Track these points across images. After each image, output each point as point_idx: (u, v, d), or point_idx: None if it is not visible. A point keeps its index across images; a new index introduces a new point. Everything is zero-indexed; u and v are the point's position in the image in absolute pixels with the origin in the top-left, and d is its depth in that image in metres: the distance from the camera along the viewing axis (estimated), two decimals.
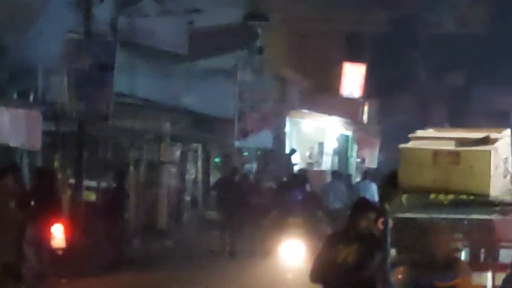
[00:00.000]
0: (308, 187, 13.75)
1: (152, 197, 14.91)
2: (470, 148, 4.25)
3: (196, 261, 12.32)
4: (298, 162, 18.44)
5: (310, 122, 20.50)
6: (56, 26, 12.02)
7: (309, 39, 19.84)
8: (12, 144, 10.58)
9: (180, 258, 12.78)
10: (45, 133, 11.73)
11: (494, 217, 4.33)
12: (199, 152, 16.76)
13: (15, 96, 11.81)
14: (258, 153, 18.04)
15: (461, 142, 4.34)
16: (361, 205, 5.28)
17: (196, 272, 10.92)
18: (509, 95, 22.74)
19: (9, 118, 10.40)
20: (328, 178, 16.18)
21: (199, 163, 16.70)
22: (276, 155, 18.21)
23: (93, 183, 13.15)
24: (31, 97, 12.11)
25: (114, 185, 12.94)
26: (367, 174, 15.89)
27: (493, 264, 6.44)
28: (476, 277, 5.43)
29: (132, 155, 14.48)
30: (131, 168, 14.17)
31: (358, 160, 21.34)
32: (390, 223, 4.23)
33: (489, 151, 4.16)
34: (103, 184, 13.49)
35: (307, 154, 20.00)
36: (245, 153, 17.61)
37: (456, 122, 15.70)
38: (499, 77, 21.93)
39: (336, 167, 20.05)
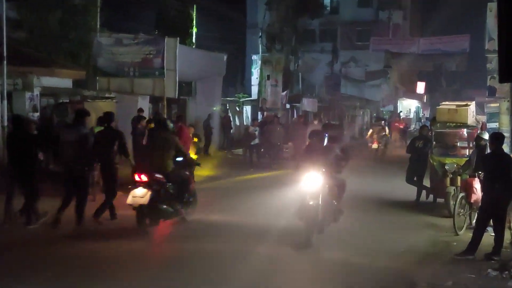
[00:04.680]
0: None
1: (352, 126, 39.20)
2: (461, 108, 12.72)
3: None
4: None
5: (406, 102, 52.43)
6: (322, 70, 37.63)
7: (406, 72, 46.57)
8: None
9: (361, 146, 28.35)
10: None
11: (466, 130, 12.74)
12: (368, 112, 44.32)
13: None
14: (388, 112, 44.79)
15: (458, 105, 12.83)
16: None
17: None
18: None
19: None
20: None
21: (368, 117, 44.65)
22: (393, 115, 43.48)
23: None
24: (314, 94, 35.09)
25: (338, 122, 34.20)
26: (424, 118, 44.27)
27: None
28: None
29: (346, 113, 39.55)
30: (346, 117, 39.26)
31: (423, 114, 54.20)
32: (433, 133, 12.79)
33: (467, 108, 12.66)
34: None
35: (405, 112, 50.48)
36: (384, 112, 44.39)
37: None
38: None
39: (415, 116, 53.27)
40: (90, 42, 18.82)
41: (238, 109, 30.14)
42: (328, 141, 9.43)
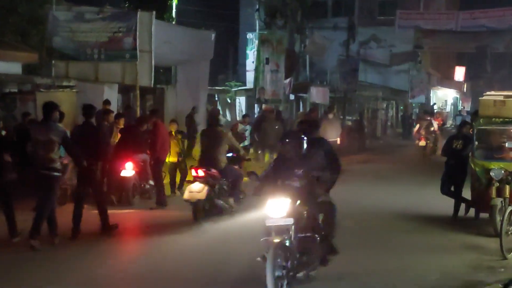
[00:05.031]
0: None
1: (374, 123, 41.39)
2: (510, 99, 12.86)
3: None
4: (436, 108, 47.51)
5: (441, 92, 54.05)
6: (336, 53, 37.73)
7: (441, 55, 49.47)
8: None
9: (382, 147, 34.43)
10: None
11: None
12: (393, 105, 47.34)
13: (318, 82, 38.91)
14: (419, 104, 47.14)
15: (506, 96, 12.96)
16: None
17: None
18: None
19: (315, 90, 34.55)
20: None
21: (394, 110, 47.34)
22: (425, 106, 46.32)
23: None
24: (325, 83, 38.38)
25: (358, 118, 36.93)
26: (465, 112, 45.04)
27: None
28: None
29: (365, 106, 41.49)
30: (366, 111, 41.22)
31: (462, 107, 53.53)
32: (475, 130, 12.91)
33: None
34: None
35: (440, 105, 51.67)
36: (413, 104, 46.93)
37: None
38: None
39: (452, 110, 54.99)
40: (44, 17, 18.92)
41: (229, 101, 30.28)
42: (309, 146, 8.21)
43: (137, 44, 18.06)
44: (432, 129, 26.18)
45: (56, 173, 10.11)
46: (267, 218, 7.71)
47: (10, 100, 16.60)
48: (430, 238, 11.54)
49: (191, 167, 12.26)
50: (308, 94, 32.32)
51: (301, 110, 31.38)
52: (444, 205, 13.41)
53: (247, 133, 20.35)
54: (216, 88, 30.52)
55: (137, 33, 18.06)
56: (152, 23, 18.59)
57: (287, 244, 7.63)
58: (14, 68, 17.54)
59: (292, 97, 31.06)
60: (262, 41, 27.90)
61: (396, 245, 10.98)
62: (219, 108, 28.50)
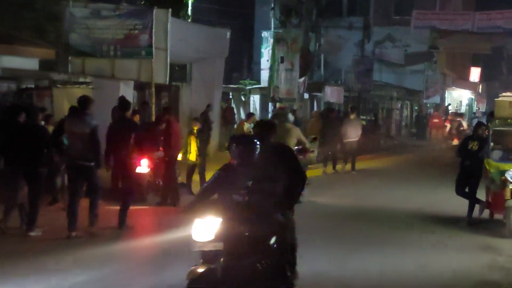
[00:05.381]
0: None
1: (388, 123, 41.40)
2: None
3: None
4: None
5: (456, 92, 53.52)
6: (351, 52, 37.87)
7: (457, 55, 49.60)
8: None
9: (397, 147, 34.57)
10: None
11: None
12: (408, 105, 47.17)
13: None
14: (434, 105, 46.30)
15: None
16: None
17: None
18: None
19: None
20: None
21: (408, 110, 47.04)
22: (438, 106, 45.81)
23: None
24: (339, 82, 38.73)
25: (373, 118, 37.23)
26: (480, 113, 46.04)
27: None
28: None
29: (380, 106, 41.80)
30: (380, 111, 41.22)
31: (477, 108, 55.06)
32: (490, 132, 12.91)
33: None
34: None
35: (455, 105, 50.76)
36: (428, 105, 46.85)
37: None
38: None
39: (467, 111, 53.03)
40: (61, 14, 19.05)
41: (243, 99, 30.34)
42: (263, 153, 6.95)
43: (153, 41, 18.12)
44: (462, 128, 27.77)
45: (90, 163, 10.46)
46: (193, 243, 6.50)
47: (27, 96, 16.72)
48: (444, 238, 11.56)
49: None
50: (322, 93, 32.34)
51: (315, 109, 31.38)
52: (459, 205, 13.42)
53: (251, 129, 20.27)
54: (231, 86, 30.57)
55: (153, 30, 18.13)
56: (168, 20, 18.65)
57: (216, 273, 6.30)
58: (31, 64, 17.65)
59: (306, 96, 31.08)
60: (277, 40, 27.96)
61: (410, 244, 11.01)
62: (233, 106, 28.54)
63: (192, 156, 15.33)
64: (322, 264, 9.28)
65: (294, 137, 13.81)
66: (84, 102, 10.69)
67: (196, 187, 15.05)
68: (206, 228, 6.50)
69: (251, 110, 30.13)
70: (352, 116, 22.46)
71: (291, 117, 15.13)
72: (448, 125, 27.48)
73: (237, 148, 6.91)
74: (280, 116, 15.14)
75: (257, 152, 6.85)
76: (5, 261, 9.07)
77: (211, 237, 6.45)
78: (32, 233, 10.53)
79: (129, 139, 11.24)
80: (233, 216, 6.50)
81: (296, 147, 13.13)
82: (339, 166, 21.03)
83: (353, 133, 21.12)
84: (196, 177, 15.59)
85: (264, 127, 8.10)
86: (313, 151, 15.11)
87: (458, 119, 27.51)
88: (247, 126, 19.30)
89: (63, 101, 16.64)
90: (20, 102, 16.45)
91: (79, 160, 10.40)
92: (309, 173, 19.52)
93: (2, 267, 8.76)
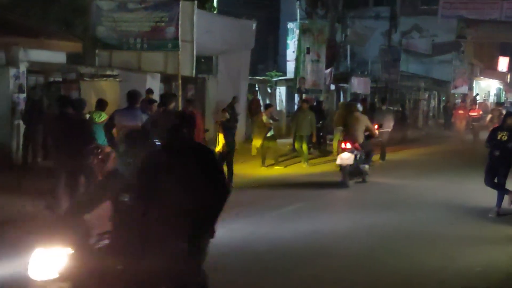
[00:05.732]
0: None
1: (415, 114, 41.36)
2: None
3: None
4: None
5: (484, 82, 53.47)
6: (377, 42, 37.83)
7: (484, 45, 48.60)
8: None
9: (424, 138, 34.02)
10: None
11: None
12: (436, 95, 47.04)
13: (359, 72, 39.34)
14: (461, 95, 45.35)
15: None
16: None
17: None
18: None
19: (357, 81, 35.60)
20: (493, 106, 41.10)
21: (436, 101, 46.79)
22: (465, 96, 44.86)
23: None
24: (366, 73, 38.49)
25: (401, 109, 36.29)
26: (508, 103, 44.61)
27: None
28: None
29: (407, 96, 41.67)
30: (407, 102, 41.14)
31: (505, 98, 53.71)
32: None
33: None
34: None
35: (483, 95, 51.51)
36: (456, 95, 45.92)
37: None
38: None
39: (495, 100, 52.03)
40: (88, 7, 19.15)
41: (269, 90, 30.30)
42: (169, 153, 5.34)
43: (179, 33, 18.16)
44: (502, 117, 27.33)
45: None
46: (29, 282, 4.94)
47: (55, 89, 16.86)
48: (473, 230, 11.47)
49: (339, 142, 16.42)
50: (349, 84, 32.19)
51: (341, 100, 31.25)
52: (488, 196, 13.31)
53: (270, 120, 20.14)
54: (257, 78, 30.54)
55: (179, 22, 18.17)
56: (194, 12, 18.65)
57: None
58: (58, 57, 17.78)
59: (332, 87, 30.94)
60: (303, 31, 27.85)
61: (439, 236, 10.94)
62: (260, 98, 28.52)
63: (218, 148, 15.35)
64: (351, 258, 9.28)
65: (363, 125, 16.04)
66: (134, 96, 10.97)
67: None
68: (48, 260, 4.76)
69: (277, 102, 30.09)
70: (384, 107, 22.57)
71: (360, 107, 17.03)
72: (490, 115, 27.21)
73: (128, 146, 5.58)
74: (351, 106, 17.24)
75: (153, 151, 5.39)
76: None
77: (55, 274, 4.78)
78: None
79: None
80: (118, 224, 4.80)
81: (365, 133, 15.98)
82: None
83: (386, 124, 21.34)
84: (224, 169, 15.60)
85: (180, 118, 5.82)
86: (379, 137, 18.32)
87: (499, 108, 27.21)
88: (266, 118, 19.26)
89: (90, 94, 16.80)
90: (49, 95, 16.63)
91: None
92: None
93: None
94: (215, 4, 28.88)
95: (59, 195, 10.72)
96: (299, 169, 19.27)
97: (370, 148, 16.69)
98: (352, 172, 15.77)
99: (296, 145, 20.18)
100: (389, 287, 8.07)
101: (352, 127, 15.93)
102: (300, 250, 9.59)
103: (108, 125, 11.03)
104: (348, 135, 15.92)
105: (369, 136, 16.20)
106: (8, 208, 11.33)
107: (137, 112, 10.91)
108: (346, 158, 15.46)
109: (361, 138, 15.94)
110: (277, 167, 19.17)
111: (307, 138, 19.90)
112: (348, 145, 15.61)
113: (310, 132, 19.92)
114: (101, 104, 13.59)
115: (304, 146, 19.89)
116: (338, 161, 15.64)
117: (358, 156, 15.82)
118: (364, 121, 16.15)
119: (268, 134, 19.04)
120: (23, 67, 15.82)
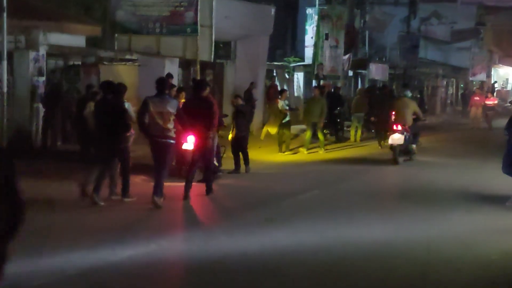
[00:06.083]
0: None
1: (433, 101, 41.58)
2: None
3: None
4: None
5: (503, 70, 53.34)
6: (396, 29, 38.22)
7: (504, 32, 48.59)
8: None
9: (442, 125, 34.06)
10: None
11: None
12: (453, 82, 46.84)
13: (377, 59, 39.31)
14: (479, 82, 45.54)
15: None
16: None
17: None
18: None
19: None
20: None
21: (454, 88, 46.88)
22: (483, 83, 45.68)
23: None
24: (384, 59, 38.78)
25: (419, 95, 35.97)
26: None
27: None
28: None
29: (425, 83, 42.04)
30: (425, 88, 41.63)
31: None
32: None
33: None
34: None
35: (501, 83, 51.67)
36: (474, 82, 45.97)
37: None
38: None
39: None
40: None
41: (288, 76, 30.23)
42: None
43: (198, 18, 18.15)
44: None
45: (171, 141, 11.16)
46: None
47: (74, 73, 16.93)
48: (490, 218, 11.39)
49: (391, 124, 17.63)
50: (367, 70, 32.05)
51: (359, 86, 31.13)
52: (506, 184, 13.23)
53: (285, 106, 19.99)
54: (275, 63, 30.48)
55: (198, 7, 18.16)
56: None
57: None
58: (78, 41, 17.86)
59: (350, 73, 30.83)
60: (322, 17, 27.73)
61: (455, 224, 10.89)
62: (277, 83, 28.47)
63: (232, 134, 15.37)
64: (368, 244, 9.24)
65: (412, 109, 17.74)
66: (163, 83, 11.34)
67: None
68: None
69: (295, 88, 30.03)
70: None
71: (408, 93, 18.76)
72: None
73: None
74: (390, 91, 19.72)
75: None
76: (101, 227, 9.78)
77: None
78: (126, 199, 11.42)
79: (208, 115, 11.86)
80: None
81: (413, 117, 17.65)
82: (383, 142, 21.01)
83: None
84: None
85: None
86: (425, 120, 20.01)
87: None
88: (281, 103, 19.19)
89: (109, 78, 16.79)
90: (68, 79, 16.69)
91: (161, 138, 11.04)
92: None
93: (99, 233, 9.36)
94: None
95: (115, 178, 11.59)
96: (316, 155, 19.27)
97: (417, 129, 18.41)
98: (402, 151, 17.43)
99: (307, 133, 19.98)
100: (405, 275, 8.05)
101: (401, 111, 17.65)
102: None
103: (142, 111, 11.23)
104: (398, 118, 17.57)
105: (417, 119, 17.96)
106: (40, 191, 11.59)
107: (169, 99, 11.31)
108: (397, 138, 17.18)
109: (409, 121, 17.57)
110: (287, 153, 19.19)
111: (318, 126, 19.79)
112: (399, 127, 17.29)
113: (320, 120, 19.75)
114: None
115: (319, 133, 19.84)
116: (390, 141, 17.39)
117: (407, 137, 17.34)
118: (412, 106, 17.94)
119: (284, 121, 19.01)
120: (42, 50, 15.88)
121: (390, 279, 7.88)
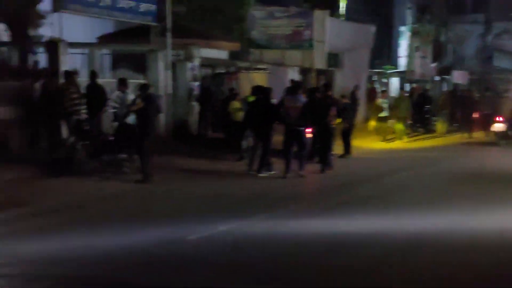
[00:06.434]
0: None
1: None
2: None
3: None
4: None
5: None
6: (474, 43, 35.47)
7: None
8: None
9: None
10: None
11: None
12: None
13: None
14: None
15: None
16: None
17: None
18: None
19: None
20: None
21: None
22: None
23: None
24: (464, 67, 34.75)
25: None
26: None
27: None
28: None
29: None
30: None
31: None
32: None
33: None
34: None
35: None
36: None
37: None
38: None
39: None
40: (244, 16, 19.36)
41: (385, 81, 29.54)
42: None
43: (314, 36, 18.00)
44: None
45: (302, 128, 11.48)
46: None
47: (220, 79, 17.20)
48: None
49: (494, 117, 18.59)
50: (450, 76, 30.87)
51: (444, 89, 30.00)
52: None
53: (385, 105, 19.77)
54: (374, 70, 29.82)
55: (314, 27, 18.01)
56: (325, 19, 18.47)
57: None
58: (222, 54, 18.13)
59: (437, 78, 29.81)
60: (414, 33, 27.02)
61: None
62: (377, 86, 27.87)
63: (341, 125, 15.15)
64: (445, 223, 8.01)
65: (511, 105, 18.90)
66: (297, 86, 12.23)
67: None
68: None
69: (391, 90, 29.32)
70: (489, 93, 23.30)
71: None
72: None
73: None
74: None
75: None
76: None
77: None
78: (261, 175, 11.55)
79: (323, 112, 12.21)
80: None
81: None
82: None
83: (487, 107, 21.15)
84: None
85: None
86: None
87: None
88: (380, 101, 19.13)
89: (246, 83, 16.98)
90: (215, 83, 16.99)
91: (294, 126, 11.37)
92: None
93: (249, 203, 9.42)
94: (342, 12, 28.38)
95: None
96: (402, 144, 18.79)
97: None
98: (503, 136, 18.21)
99: (396, 125, 19.53)
100: (451, 263, 6.51)
101: (503, 105, 19.12)
102: None
103: (280, 106, 11.75)
104: (500, 112, 18.77)
105: None
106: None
107: (300, 97, 11.74)
108: (499, 127, 18.31)
109: (509, 113, 18.63)
110: (383, 142, 18.77)
111: (403, 120, 19.38)
112: (501, 118, 18.47)
113: (406, 115, 19.42)
114: (255, 90, 13.68)
115: (401, 125, 19.40)
116: (493, 129, 18.45)
117: (507, 125, 18.39)
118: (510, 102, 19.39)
119: (380, 115, 18.87)
120: (197, 62, 16.23)
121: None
